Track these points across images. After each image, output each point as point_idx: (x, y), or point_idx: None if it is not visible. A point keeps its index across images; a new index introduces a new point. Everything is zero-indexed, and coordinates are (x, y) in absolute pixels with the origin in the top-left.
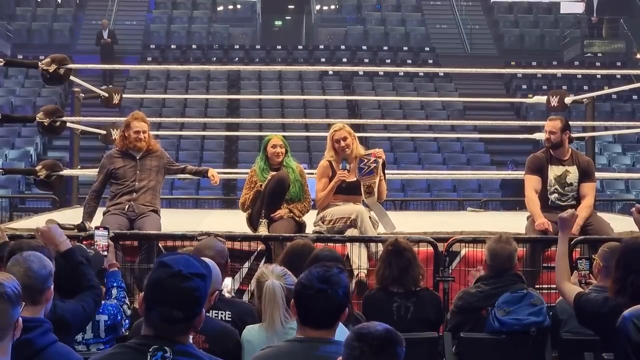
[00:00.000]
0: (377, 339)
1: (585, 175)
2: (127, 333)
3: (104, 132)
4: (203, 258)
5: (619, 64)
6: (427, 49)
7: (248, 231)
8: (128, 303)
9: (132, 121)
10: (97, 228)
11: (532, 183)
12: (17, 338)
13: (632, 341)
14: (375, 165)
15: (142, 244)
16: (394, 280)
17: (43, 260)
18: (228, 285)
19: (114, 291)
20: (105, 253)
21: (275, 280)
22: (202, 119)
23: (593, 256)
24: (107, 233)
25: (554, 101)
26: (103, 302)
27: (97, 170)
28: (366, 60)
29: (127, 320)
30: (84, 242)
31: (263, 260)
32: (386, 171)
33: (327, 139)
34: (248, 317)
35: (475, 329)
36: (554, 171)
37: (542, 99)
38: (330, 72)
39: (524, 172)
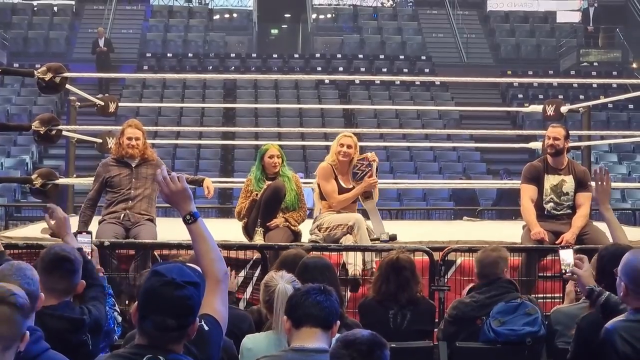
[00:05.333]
0: (365, 344)
1: (581, 184)
2: (121, 341)
3: (100, 140)
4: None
5: (615, 73)
6: (423, 58)
7: (244, 240)
8: (118, 310)
9: (126, 128)
10: (79, 233)
11: (528, 192)
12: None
13: (619, 352)
14: (369, 168)
15: (138, 252)
16: (391, 295)
17: (30, 268)
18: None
19: None
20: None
21: (286, 284)
22: (198, 128)
23: None
24: (89, 238)
25: (550, 110)
26: None
27: (93, 179)
28: (362, 69)
29: (118, 327)
30: None
31: (259, 269)
32: (382, 180)
33: (333, 143)
34: (241, 323)
35: (469, 338)
36: (550, 180)
37: (538, 108)
38: (327, 81)
39: (520, 182)
